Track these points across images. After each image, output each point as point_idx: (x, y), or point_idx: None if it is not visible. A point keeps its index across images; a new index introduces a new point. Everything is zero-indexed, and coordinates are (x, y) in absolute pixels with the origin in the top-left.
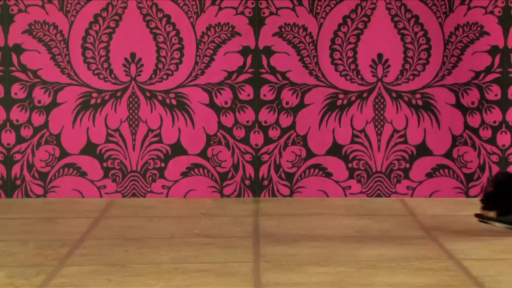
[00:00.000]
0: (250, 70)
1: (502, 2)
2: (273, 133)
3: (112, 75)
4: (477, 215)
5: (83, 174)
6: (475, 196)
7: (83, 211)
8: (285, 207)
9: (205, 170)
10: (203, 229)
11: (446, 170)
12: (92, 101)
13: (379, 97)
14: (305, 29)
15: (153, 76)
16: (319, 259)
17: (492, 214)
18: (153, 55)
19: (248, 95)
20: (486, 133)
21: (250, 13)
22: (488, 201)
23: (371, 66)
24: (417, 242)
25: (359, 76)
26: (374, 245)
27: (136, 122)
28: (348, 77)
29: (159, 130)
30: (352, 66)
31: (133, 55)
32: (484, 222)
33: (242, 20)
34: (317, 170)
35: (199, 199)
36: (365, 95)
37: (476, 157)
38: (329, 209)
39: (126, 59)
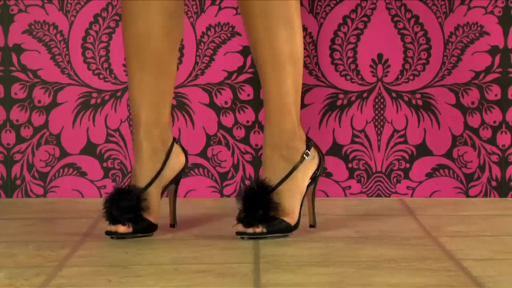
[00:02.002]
0: (250, 70)
1: (502, 2)
2: None
3: (112, 75)
4: (237, 233)
5: (83, 174)
6: (475, 196)
7: (83, 211)
8: None
9: (205, 170)
10: (203, 229)
11: (446, 170)
12: (92, 101)
13: (379, 97)
14: (305, 29)
15: None
16: (319, 259)
17: (259, 229)
18: None
19: (248, 95)
20: (486, 133)
21: None
22: (241, 220)
23: (371, 66)
24: (417, 242)
25: (359, 76)
26: (374, 245)
27: None
28: (348, 77)
29: None
30: (352, 66)
31: None
32: (252, 238)
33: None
34: None
35: (199, 199)
36: (365, 95)
37: (476, 157)
38: (329, 209)
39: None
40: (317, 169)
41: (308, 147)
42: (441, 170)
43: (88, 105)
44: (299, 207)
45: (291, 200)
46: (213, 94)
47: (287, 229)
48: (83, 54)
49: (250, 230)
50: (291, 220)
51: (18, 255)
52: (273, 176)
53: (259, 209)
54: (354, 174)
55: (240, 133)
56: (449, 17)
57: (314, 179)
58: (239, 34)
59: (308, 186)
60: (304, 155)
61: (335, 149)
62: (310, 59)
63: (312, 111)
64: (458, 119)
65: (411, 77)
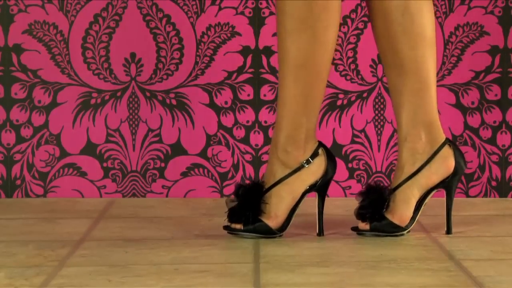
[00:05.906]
0: (250, 70)
1: (502, 2)
2: None
3: (112, 75)
4: (224, 227)
5: (83, 174)
6: (475, 196)
7: (83, 211)
8: None
9: (205, 170)
10: (203, 229)
11: None
12: (92, 101)
13: (379, 97)
14: None
15: (153, 76)
16: (319, 259)
17: (238, 226)
18: (153, 55)
19: (248, 95)
20: (486, 133)
21: (250, 13)
22: (232, 216)
23: (371, 66)
24: (417, 242)
25: (359, 76)
26: (374, 245)
27: (136, 122)
28: (348, 77)
29: (159, 130)
30: (352, 66)
31: (133, 55)
32: (233, 234)
33: (242, 20)
34: None
35: (199, 199)
36: (365, 95)
37: (476, 157)
38: (329, 209)
39: (126, 59)
40: (321, 177)
41: (313, 155)
42: None
43: (88, 105)
44: (286, 212)
45: (278, 205)
46: (213, 94)
47: (267, 232)
48: (83, 54)
49: (232, 226)
50: (273, 223)
51: (18, 254)
52: (270, 179)
53: (246, 208)
54: (354, 174)
55: (240, 133)
56: (449, 17)
57: (313, 187)
58: (239, 34)
59: (304, 193)
60: (304, 163)
61: (335, 149)
62: None
63: None
64: (458, 119)
65: None
